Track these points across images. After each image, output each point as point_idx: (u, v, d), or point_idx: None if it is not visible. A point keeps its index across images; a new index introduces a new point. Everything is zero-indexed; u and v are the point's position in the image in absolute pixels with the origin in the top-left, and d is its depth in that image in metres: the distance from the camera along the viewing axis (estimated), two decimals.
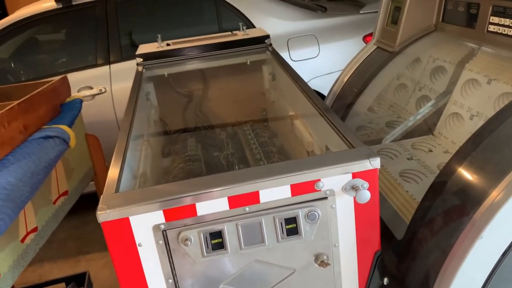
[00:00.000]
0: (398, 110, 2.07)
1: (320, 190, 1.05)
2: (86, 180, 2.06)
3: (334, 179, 1.04)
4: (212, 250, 1.04)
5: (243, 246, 1.05)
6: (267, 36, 2.17)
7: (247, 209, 1.03)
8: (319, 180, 1.04)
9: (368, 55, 1.93)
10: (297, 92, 1.66)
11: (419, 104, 1.98)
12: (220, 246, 1.04)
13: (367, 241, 1.12)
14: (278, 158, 1.83)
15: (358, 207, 1.08)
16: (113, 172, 1.15)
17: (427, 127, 1.90)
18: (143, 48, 2.19)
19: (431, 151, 1.77)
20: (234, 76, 2.29)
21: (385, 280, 1.16)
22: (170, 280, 1.06)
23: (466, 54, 1.75)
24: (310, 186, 1.04)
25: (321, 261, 1.09)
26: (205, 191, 1.00)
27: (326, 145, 1.37)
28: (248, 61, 2.21)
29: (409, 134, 1.90)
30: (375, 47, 1.92)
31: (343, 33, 3.35)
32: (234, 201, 1.02)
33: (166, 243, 1.03)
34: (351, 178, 1.05)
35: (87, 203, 2.10)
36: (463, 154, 1.15)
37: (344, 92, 1.94)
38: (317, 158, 1.11)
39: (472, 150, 1.12)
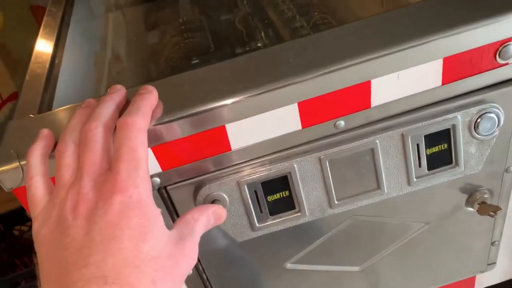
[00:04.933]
0: None
1: (507, 63, 0.46)
2: None
3: None
4: (270, 214, 0.49)
5: (335, 202, 0.49)
6: None
7: (342, 123, 0.46)
8: (509, 40, 0.44)
9: None
10: None
11: None
12: (288, 205, 0.49)
13: None
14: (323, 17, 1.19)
15: None
16: (36, 67, 0.55)
17: None
18: None
19: None
20: None
21: None
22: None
23: None
24: (486, 58, 0.45)
25: (482, 202, 0.55)
26: (248, 95, 0.42)
27: None
28: None
29: None
30: None
31: None
32: (309, 112, 0.44)
33: (172, 209, 0.48)
34: None
35: None
36: None
37: None
38: None
39: None
